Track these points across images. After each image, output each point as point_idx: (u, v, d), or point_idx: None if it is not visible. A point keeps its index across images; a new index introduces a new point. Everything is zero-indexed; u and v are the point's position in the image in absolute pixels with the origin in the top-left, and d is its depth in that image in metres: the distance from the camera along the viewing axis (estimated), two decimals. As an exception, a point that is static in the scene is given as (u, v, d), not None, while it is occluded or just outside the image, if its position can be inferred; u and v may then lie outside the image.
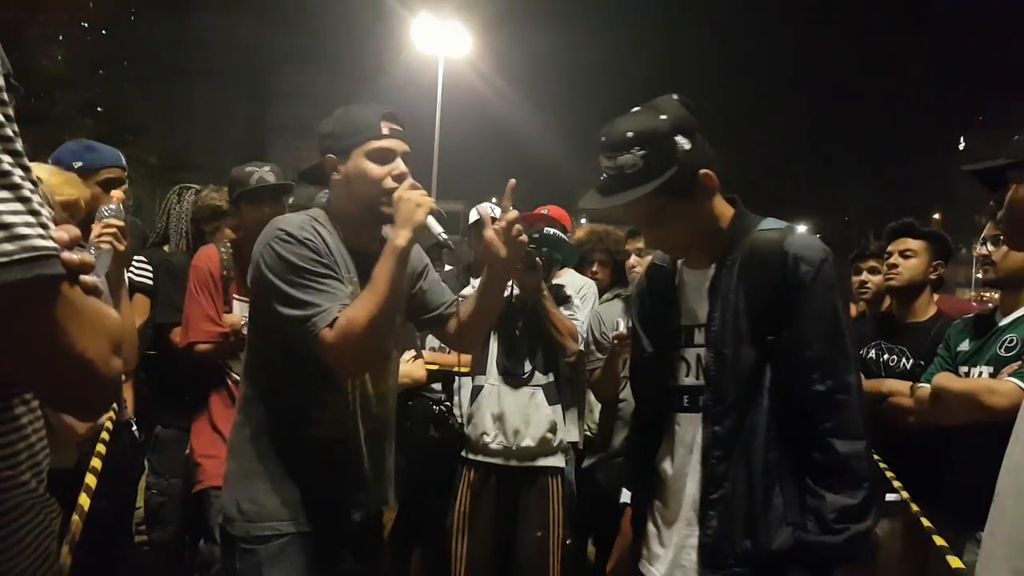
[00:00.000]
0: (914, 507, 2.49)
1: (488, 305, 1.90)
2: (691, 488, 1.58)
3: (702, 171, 1.53)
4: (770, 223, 1.61)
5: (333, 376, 1.71)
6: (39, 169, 1.93)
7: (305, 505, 1.72)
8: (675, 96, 1.57)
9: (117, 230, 2.04)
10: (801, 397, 1.49)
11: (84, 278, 0.78)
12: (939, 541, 2.27)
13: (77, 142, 2.75)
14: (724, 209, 1.63)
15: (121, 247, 2.07)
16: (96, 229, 2.04)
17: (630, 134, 1.51)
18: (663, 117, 1.51)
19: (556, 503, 2.81)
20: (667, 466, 1.65)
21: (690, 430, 1.60)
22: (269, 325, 1.70)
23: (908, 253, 2.86)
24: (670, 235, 1.63)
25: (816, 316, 1.49)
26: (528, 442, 2.78)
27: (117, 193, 2.52)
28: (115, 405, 2.59)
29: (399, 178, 1.73)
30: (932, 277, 2.89)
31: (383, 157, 1.74)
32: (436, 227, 1.69)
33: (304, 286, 1.63)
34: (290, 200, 2.91)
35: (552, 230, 2.92)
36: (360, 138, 1.73)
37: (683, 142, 1.51)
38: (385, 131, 1.75)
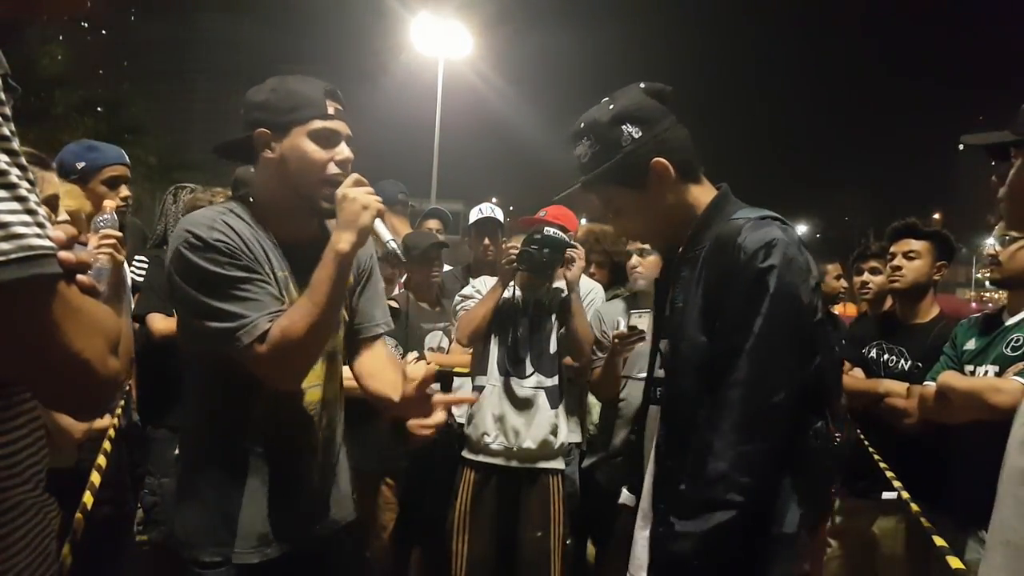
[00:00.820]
0: (914, 507, 2.49)
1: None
2: (649, 481, 1.56)
3: (654, 160, 1.48)
4: (746, 212, 1.49)
5: (255, 383, 1.53)
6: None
7: (241, 528, 1.56)
8: (641, 84, 1.55)
9: (115, 240, 1.95)
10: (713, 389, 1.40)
11: (81, 278, 0.78)
12: (939, 541, 2.27)
13: (79, 143, 2.75)
14: (702, 198, 1.54)
15: (120, 258, 1.98)
16: (93, 241, 1.97)
17: (582, 125, 1.53)
18: (611, 107, 1.51)
19: (557, 503, 2.81)
20: (647, 461, 1.62)
21: (655, 422, 1.57)
22: (188, 335, 1.56)
23: (912, 254, 2.83)
24: (633, 224, 1.63)
25: (735, 306, 1.37)
26: (529, 444, 2.78)
27: (109, 202, 2.49)
28: (122, 403, 2.59)
29: (343, 164, 1.56)
30: (936, 278, 2.88)
31: (328, 139, 1.55)
32: (385, 233, 1.51)
33: (224, 295, 1.45)
34: None
35: (552, 229, 2.92)
36: (302, 115, 1.54)
37: (631, 131, 1.48)
38: (330, 110, 1.57)
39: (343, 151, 1.56)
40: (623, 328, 2.75)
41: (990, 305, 2.98)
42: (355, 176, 1.53)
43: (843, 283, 4.14)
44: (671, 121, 1.52)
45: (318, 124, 1.54)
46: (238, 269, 1.48)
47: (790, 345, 1.36)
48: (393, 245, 1.51)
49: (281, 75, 1.63)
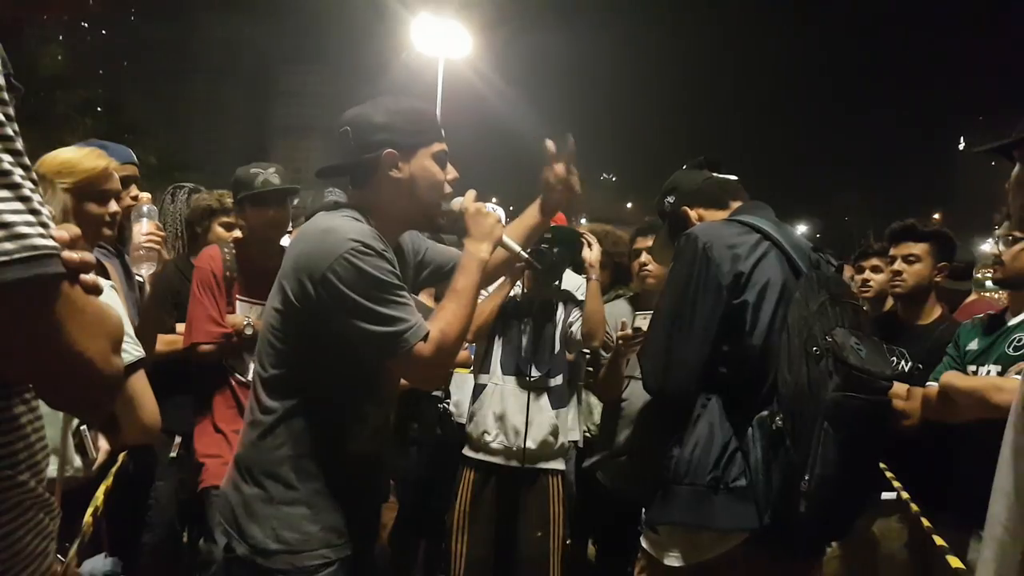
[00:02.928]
0: (914, 507, 2.50)
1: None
2: None
3: (681, 209, 2.07)
4: (736, 216, 1.92)
5: (376, 390, 1.66)
6: (61, 151, 1.96)
7: (349, 526, 1.61)
8: (684, 167, 2.16)
9: (161, 239, 2.10)
10: None
11: (84, 277, 0.78)
12: (939, 541, 2.27)
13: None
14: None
15: (167, 256, 2.14)
16: (141, 227, 2.15)
17: None
18: (661, 192, 2.15)
19: (556, 503, 2.81)
20: None
21: None
22: (320, 340, 1.57)
23: (912, 258, 2.80)
24: None
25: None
26: (529, 444, 2.77)
27: (145, 195, 2.59)
28: None
29: (453, 183, 1.72)
30: (937, 280, 2.86)
31: (443, 161, 1.70)
32: (513, 244, 1.80)
33: (390, 301, 1.53)
34: (294, 201, 2.90)
35: (561, 224, 2.93)
36: (427, 137, 1.68)
37: (669, 200, 2.12)
38: (443, 133, 1.72)
39: (452, 171, 1.72)
40: (629, 329, 2.75)
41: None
42: (473, 191, 1.75)
43: (858, 280, 4.08)
44: (701, 177, 2.09)
45: (438, 147, 1.69)
46: (396, 278, 1.57)
47: (687, 310, 1.76)
48: (525, 254, 1.83)
49: (392, 95, 1.75)
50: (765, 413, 1.67)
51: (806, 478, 1.59)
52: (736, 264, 1.75)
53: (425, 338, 1.53)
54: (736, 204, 2.01)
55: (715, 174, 2.10)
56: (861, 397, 1.63)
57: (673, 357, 1.76)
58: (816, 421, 1.60)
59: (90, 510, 1.91)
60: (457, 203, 1.78)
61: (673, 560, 1.75)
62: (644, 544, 1.85)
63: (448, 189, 1.71)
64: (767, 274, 1.76)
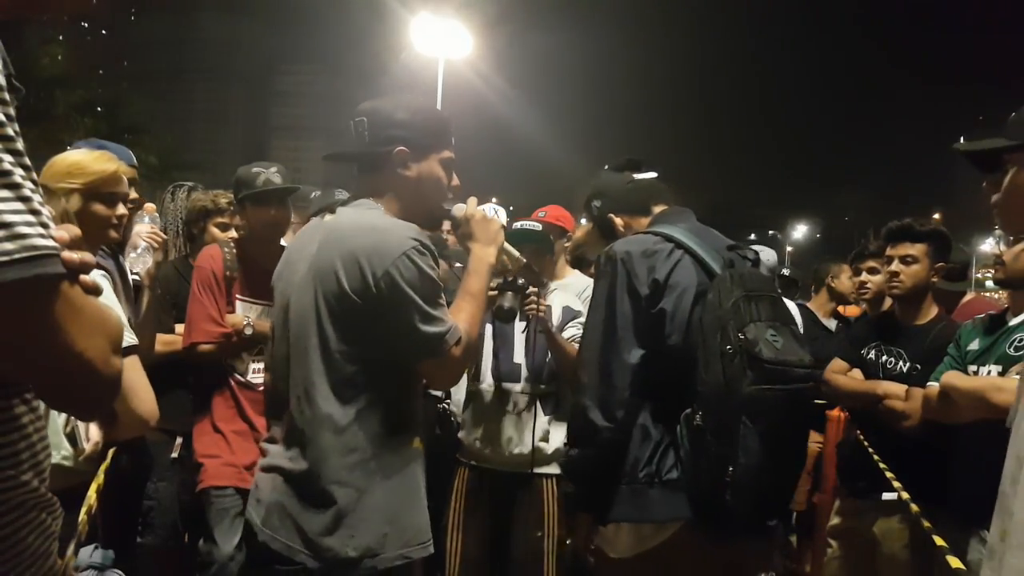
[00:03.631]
0: (914, 507, 2.50)
1: None
2: None
3: (608, 215, 2.20)
4: (655, 228, 2.00)
5: (415, 386, 1.71)
6: (71, 153, 1.97)
7: (421, 522, 1.66)
8: (606, 166, 2.30)
9: (161, 242, 2.20)
10: None
11: (84, 278, 0.77)
12: (939, 541, 2.27)
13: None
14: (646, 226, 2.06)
15: (170, 256, 2.21)
16: (141, 228, 2.30)
17: None
18: (588, 193, 2.27)
19: (551, 505, 2.78)
20: None
21: None
22: (371, 337, 1.58)
23: (909, 259, 2.76)
24: None
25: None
26: (521, 449, 2.75)
27: (149, 206, 2.64)
28: None
29: (455, 190, 1.78)
30: (934, 280, 2.85)
31: (449, 168, 1.75)
32: (514, 251, 1.90)
33: (438, 303, 1.59)
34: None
35: (521, 224, 2.98)
36: (440, 142, 1.72)
37: (596, 204, 2.24)
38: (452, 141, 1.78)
39: (455, 179, 1.77)
40: None
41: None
42: (474, 199, 1.82)
43: (856, 282, 4.08)
44: (623, 180, 2.21)
45: (447, 154, 1.74)
46: (438, 277, 1.61)
47: (612, 320, 1.86)
48: (524, 259, 1.96)
49: (410, 94, 1.88)
50: (689, 411, 1.77)
51: (730, 468, 1.68)
52: (652, 273, 1.86)
53: (458, 341, 1.60)
54: (659, 208, 2.11)
55: (636, 175, 2.21)
56: (777, 388, 1.69)
57: (611, 368, 1.85)
58: (737, 415, 1.68)
59: (84, 509, 1.91)
60: (460, 210, 1.83)
61: (617, 553, 1.86)
62: (595, 540, 1.94)
63: (449, 195, 1.76)
64: (681, 280, 1.86)
